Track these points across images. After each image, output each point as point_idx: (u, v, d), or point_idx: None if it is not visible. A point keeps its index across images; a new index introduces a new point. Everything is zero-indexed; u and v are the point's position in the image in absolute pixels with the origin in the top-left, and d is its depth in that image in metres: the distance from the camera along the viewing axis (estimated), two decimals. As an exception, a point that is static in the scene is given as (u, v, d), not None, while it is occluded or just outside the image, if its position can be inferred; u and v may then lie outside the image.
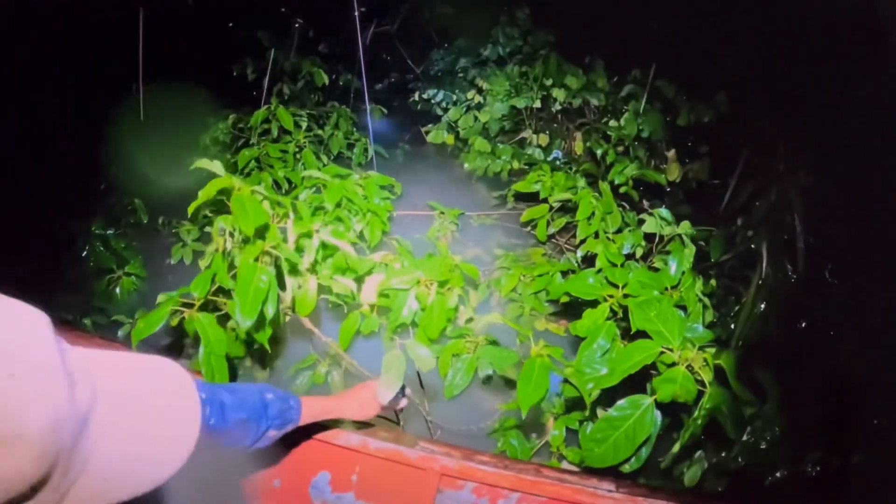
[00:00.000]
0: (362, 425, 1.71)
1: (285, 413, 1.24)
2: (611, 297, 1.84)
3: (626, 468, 1.63)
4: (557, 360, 1.74)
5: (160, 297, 1.66)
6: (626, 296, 1.83)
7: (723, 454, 2.06)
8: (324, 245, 1.80)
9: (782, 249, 2.70)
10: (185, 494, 0.77)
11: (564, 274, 2.32)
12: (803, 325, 2.74)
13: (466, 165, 3.66)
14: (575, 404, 2.03)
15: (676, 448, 1.68)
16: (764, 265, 2.49)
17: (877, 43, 2.32)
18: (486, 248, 3.00)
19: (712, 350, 1.61)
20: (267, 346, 1.66)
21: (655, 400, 1.54)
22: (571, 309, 2.71)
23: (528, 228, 3.12)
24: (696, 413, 1.56)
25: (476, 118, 3.78)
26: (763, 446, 2.11)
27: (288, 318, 1.93)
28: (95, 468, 0.58)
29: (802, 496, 2.26)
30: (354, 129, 3.62)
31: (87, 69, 3.00)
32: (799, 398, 2.40)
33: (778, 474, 2.21)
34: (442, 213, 2.90)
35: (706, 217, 2.99)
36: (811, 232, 2.74)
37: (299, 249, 1.76)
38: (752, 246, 2.69)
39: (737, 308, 2.59)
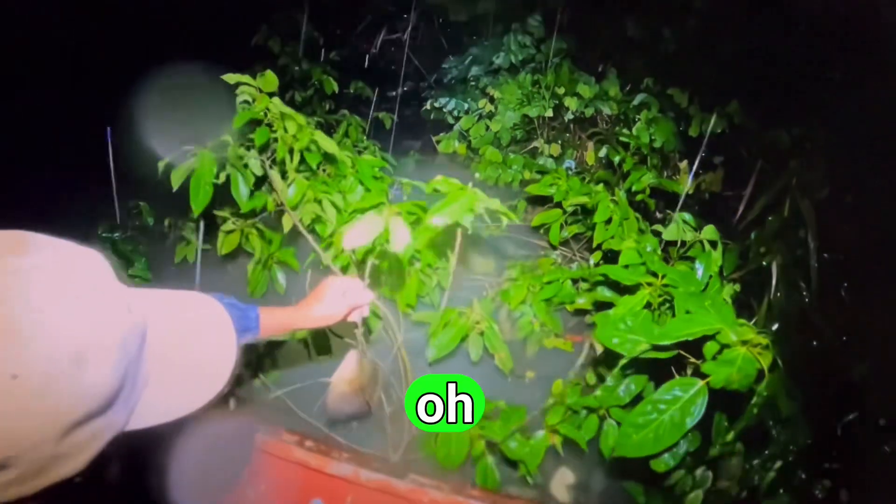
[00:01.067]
0: (354, 457, 1.79)
1: (242, 321, 1.18)
2: (650, 284, 1.76)
3: (662, 465, 1.54)
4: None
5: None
6: (666, 286, 1.75)
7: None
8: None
9: (794, 267, 2.65)
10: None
11: (575, 282, 2.29)
12: (815, 343, 2.69)
13: (477, 175, 3.64)
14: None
15: (729, 440, 1.58)
16: (773, 284, 2.42)
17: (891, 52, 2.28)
18: (496, 259, 2.96)
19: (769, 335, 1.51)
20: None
21: (708, 384, 1.41)
22: (582, 324, 2.69)
23: (539, 240, 3.09)
24: (754, 400, 1.47)
25: (487, 127, 3.76)
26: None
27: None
28: (154, 384, 0.66)
29: None
30: (364, 138, 3.60)
31: (91, 73, 2.99)
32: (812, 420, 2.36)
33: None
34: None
35: (720, 230, 2.94)
36: (825, 248, 2.68)
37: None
38: (764, 263, 2.64)
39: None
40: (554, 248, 2.75)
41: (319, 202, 2.23)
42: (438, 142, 3.94)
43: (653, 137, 3.33)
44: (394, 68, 4.30)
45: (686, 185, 3.37)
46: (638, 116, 3.51)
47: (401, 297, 2.24)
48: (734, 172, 3.47)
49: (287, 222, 2.26)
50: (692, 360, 1.50)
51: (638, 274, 1.77)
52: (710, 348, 1.46)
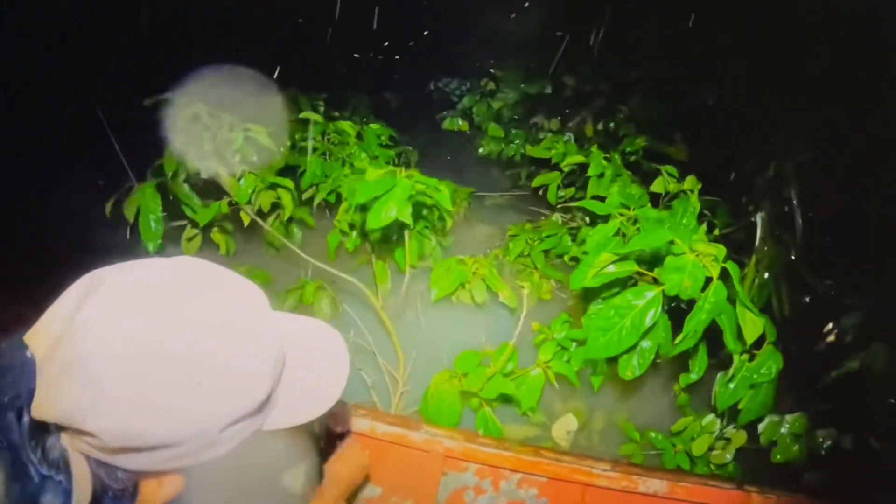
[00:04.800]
0: (370, 412, 1.84)
1: None
2: (622, 215, 1.91)
3: (630, 372, 1.67)
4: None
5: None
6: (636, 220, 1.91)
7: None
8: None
9: (781, 223, 2.79)
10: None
11: (574, 240, 2.44)
12: (807, 299, 2.83)
13: (481, 150, 3.80)
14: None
15: (679, 341, 1.67)
16: (758, 237, 2.56)
17: (872, 22, 2.41)
18: (499, 226, 3.11)
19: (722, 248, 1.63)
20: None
21: (663, 292, 1.55)
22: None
23: (541, 207, 3.24)
24: (698, 303, 1.57)
25: (489, 105, 3.92)
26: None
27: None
28: (284, 398, 0.80)
29: (815, 477, 2.30)
30: (372, 115, 3.76)
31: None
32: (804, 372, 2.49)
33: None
34: (455, 191, 3.03)
35: (713, 193, 3.09)
36: (809, 206, 2.83)
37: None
38: (753, 220, 2.78)
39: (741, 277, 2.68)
40: (553, 210, 2.90)
41: (275, 188, 2.40)
42: (442, 120, 4.10)
43: (648, 110, 3.47)
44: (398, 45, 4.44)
45: (683, 154, 3.54)
46: (634, 90, 3.66)
47: (401, 256, 2.37)
48: (727, 141, 3.60)
49: (245, 217, 2.42)
50: (650, 274, 1.67)
51: (610, 206, 1.92)
52: (667, 261, 1.60)
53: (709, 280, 1.56)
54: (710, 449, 2.27)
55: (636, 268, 1.63)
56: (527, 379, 2.04)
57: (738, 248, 2.92)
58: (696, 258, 1.55)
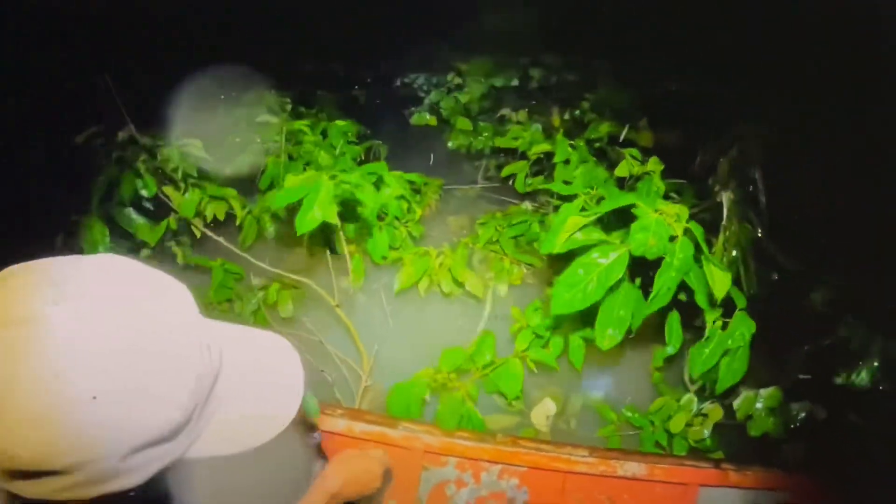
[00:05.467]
0: (348, 412, 1.86)
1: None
2: (587, 194, 1.96)
3: (606, 341, 1.69)
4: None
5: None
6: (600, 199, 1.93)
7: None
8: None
9: (746, 202, 2.85)
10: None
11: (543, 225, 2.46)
12: (775, 277, 2.88)
13: (450, 144, 3.80)
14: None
15: (652, 298, 1.72)
16: (724, 216, 2.61)
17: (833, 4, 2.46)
18: (470, 217, 3.12)
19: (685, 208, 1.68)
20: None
21: (629, 252, 1.60)
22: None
23: (512, 197, 3.26)
24: (667, 259, 1.61)
25: (457, 99, 3.94)
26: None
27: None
28: (219, 421, 0.70)
29: (792, 449, 2.32)
30: (340, 112, 3.74)
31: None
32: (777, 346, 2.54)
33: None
34: (425, 184, 3.04)
35: (680, 176, 3.14)
36: (774, 185, 2.89)
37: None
38: (719, 200, 2.83)
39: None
40: (522, 199, 2.92)
41: (223, 199, 2.46)
42: (411, 115, 4.10)
43: (613, 97, 3.51)
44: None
45: (649, 140, 3.58)
46: (599, 79, 3.70)
47: (372, 248, 2.40)
48: (692, 125, 3.66)
49: (196, 231, 2.50)
50: (616, 242, 1.69)
51: (575, 187, 1.95)
52: (633, 225, 1.64)
53: (673, 239, 1.59)
54: (688, 426, 2.32)
55: (602, 235, 1.65)
56: (507, 368, 2.06)
57: (706, 227, 2.96)
58: (660, 217, 1.58)
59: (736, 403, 2.36)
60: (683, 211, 1.64)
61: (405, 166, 3.33)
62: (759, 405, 2.32)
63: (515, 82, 3.89)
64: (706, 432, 2.30)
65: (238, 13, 3.92)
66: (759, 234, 2.85)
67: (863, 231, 2.47)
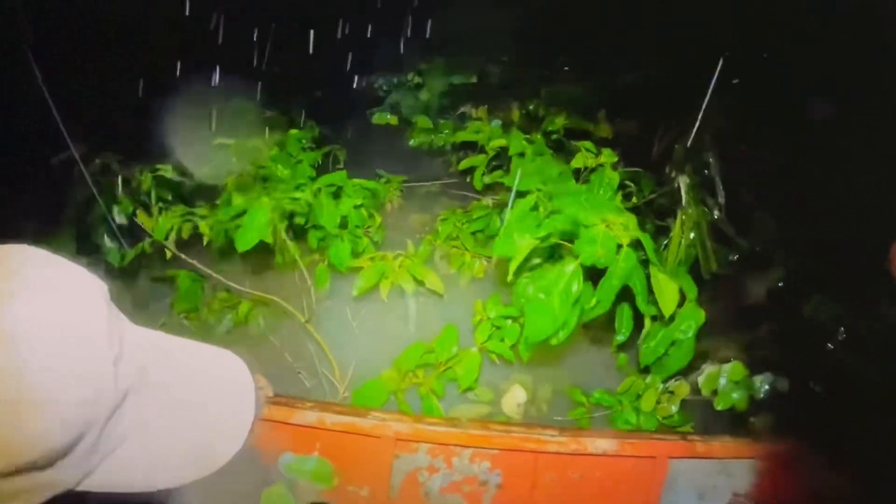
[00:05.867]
0: (318, 405, 1.85)
1: None
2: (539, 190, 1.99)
3: (555, 340, 1.73)
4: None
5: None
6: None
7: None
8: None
9: (703, 186, 2.92)
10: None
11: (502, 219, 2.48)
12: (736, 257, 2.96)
13: (411, 142, 3.82)
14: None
15: (592, 307, 1.75)
16: (682, 199, 2.68)
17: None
18: (432, 213, 3.14)
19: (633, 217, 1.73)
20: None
21: (581, 265, 1.64)
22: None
23: (472, 192, 3.29)
24: (610, 269, 1.66)
25: (417, 98, 3.96)
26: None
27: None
28: (133, 447, 0.58)
29: (759, 420, 2.39)
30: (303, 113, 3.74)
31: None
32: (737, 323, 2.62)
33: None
34: (388, 180, 3.05)
35: (639, 165, 3.21)
36: (729, 169, 2.97)
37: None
38: (675, 185, 2.90)
39: (666, 241, 2.79)
40: (484, 193, 2.95)
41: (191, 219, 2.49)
42: (372, 115, 4.10)
43: (571, 92, 3.56)
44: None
45: (608, 132, 3.65)
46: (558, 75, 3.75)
47: (335, 258, 2.40)
48: (648, 115, 3.74)
49: (168, 252, 2.50)
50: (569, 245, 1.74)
51: (528, 183, 1.99)
52: (582, 234, 1.69)
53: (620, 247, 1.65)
54: (657, 403, 2.38)
55: (556, 240, 1.69)
56: (464, 360, 2.09)
57: (664, 212, 3.06)
58: (607, 229, 1.64)
59: (700, 380, 2.44)
60: (631, 220, 1.70)
61: (367, 166, 3.35)
62: (722, 381, 2.38)
63: (474, 80, 3.91)
64: (674, 408, 2.36)
65: (199, 21, 3.89)
66: (717, 216, 2.93)
67: (816, 211, 2.55)
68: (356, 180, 2.56)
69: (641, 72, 3.67)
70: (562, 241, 1.71)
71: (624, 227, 1.63)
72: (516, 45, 3.95)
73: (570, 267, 1.62)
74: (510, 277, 1.72)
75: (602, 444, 1.88)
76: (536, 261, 1.79)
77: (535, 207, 1.93)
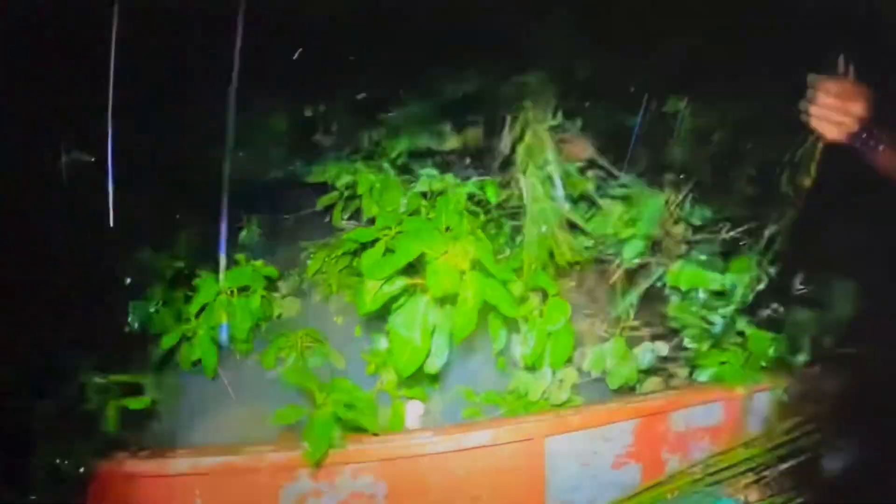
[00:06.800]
0: (190, 451, 1.84)
1: None
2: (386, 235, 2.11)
3: (432, 369, 1.85)
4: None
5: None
6: (399, 233, 2.11)
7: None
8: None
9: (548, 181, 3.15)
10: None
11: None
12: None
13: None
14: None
15: (457, 332, 1.88)
16: (526, 197, 2.87)
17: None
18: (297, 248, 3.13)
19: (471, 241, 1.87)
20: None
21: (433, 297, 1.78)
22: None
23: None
24: (461, 296, 1.79)
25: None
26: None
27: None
28: None
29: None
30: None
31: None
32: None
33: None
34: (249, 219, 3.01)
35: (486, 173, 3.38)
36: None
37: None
38: (520, 186, 3.11)
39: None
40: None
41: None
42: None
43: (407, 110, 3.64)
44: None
45: (454, 143, 3.79)
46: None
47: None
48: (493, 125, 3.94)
49: None
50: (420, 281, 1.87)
51: (373, 232, 2.10)
52: (427, 269, 1.82)
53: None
54: (546, 395, 2.53)
55: (406, 281, 1.79)
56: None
57: (515, 214, 3.27)
58: (446, 259, 1.77)
59: (585, 364, 2.63)
60: (469, 244, 1.83)
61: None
62: (608, 360, 2.57)
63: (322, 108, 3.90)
64: (564, 395, 2.51)
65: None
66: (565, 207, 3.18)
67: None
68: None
69: (470, 79, 3.84)
70: (413, 281, 1.82)
71: (463, 252, 1.76)
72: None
73: (424, 301, 1.73)
74: (370, 307, 1.80)
75: (477, 437, 1.98)
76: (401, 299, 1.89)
77: (386, 252, 2.03)
